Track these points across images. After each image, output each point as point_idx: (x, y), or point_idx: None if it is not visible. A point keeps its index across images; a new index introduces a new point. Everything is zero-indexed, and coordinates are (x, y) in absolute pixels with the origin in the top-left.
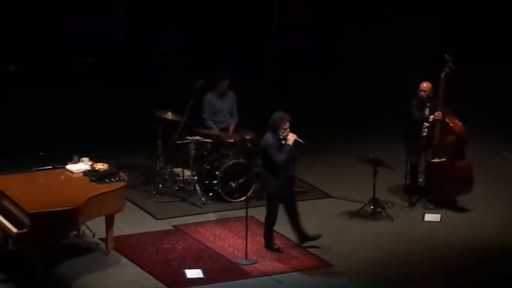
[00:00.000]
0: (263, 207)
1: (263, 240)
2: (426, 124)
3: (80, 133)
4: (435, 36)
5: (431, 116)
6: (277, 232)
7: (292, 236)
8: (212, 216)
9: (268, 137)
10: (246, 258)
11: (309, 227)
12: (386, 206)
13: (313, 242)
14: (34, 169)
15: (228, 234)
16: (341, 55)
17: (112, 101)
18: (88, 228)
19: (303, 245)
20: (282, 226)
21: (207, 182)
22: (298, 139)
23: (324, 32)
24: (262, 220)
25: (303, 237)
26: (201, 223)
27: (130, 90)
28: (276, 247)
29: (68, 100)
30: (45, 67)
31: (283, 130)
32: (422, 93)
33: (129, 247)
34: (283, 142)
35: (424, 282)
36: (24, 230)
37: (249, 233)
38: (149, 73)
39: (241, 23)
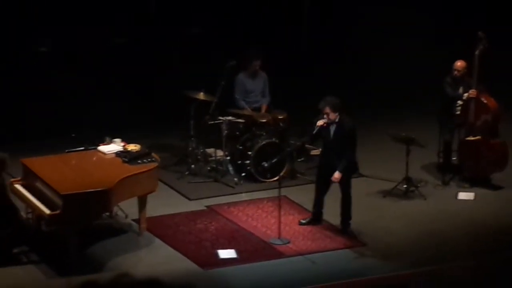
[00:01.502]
0: (296, 186)
1: (296, 220)
2: (459, 102)
3: (112, 114)
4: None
5: (465, 94)
6: (310, 212)
7: (325, 214)
8: (244, 196)
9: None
10: (279, 238)
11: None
12: (419, 185)
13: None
14: (67, 150)
15: (261, 214)
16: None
17: (144, 81)
18: (120, 209)
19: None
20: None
21: (239, 162)
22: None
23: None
24: (295, 200)
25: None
26: (233, 203)
27: (163, 70)
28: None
29: (100, 81)
30: (76, 48)
31: None
32: (456, 72)
33: (162, 228)
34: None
35: (457, 260)
36: (57, 212)
37: (282, 213)
38: (181, 53)
39: (274, 2)
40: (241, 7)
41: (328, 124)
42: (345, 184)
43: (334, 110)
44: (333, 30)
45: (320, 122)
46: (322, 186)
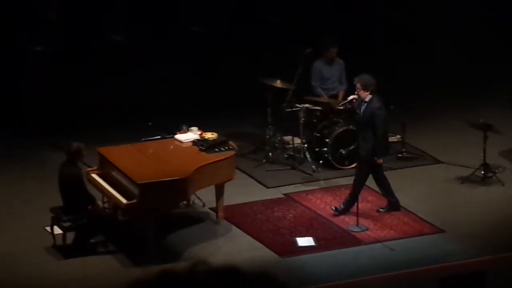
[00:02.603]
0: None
1: (374, 207)
2: None
3: (189, 102)
4: None
5: None
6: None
7: (403, 201)
8: (322, 184)
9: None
10: (357, 225)
11: (420, 193)
12: (497, 171)
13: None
14: (143, 139)
15: (339, 202)
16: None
17: (221, 69)
18: (198, 197)
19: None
20: (396, 191)
21: (317, 149)
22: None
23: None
24: (373, 187)
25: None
26: (311, 191)
27: (240, 58)
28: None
29: (176, 69)
30: (153, 37)
31: None
32: None
33: (240, 216)
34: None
35: None
36: (134, 201)
37: (359, 200)
38: (259, 40)
39: None
40: None
41: (359, 101)
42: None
43: (365, 88)
44: (404, 15)
45: (351, 97)
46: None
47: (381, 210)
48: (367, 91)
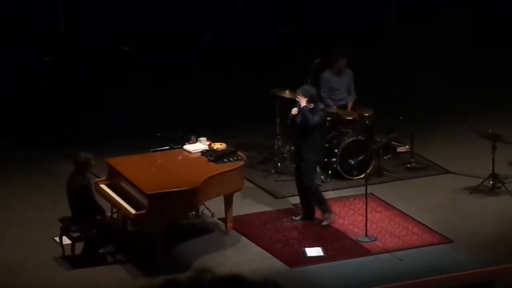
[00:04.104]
0: (382, 184)
1: (383, 217)
2: None
3: (197, 113)
4: None
5: None
6: (397, 209)
7: (411, 212)
8: (331, 194)
9: None
10: (366, 235)
11: (428, 203)
12: (505, 181)
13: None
14: (152, 150)
15: (347, 212)
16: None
17: (230, 80)
18: (207, 208)
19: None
20: (405, 202)
21: (325, 160)
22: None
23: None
24: (382, 198)
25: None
26: None
27: (248, 69)
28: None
29: (185, 80)
30: (163, 47)
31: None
32: None
33: (249, 227)
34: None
35: None
36: (142, 211)
37: (368, 210)
38: (267, 51)
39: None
40: (329, 5)
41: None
42: None
43: (309, 98)
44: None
45: (294, 111)
46: None
47: (295, 218)
48: (311, 102)
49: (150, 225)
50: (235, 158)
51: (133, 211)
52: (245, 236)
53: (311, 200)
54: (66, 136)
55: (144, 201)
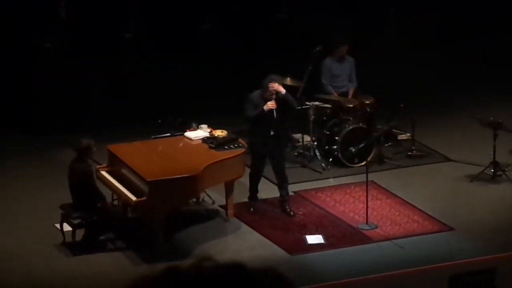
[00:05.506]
0: (383, 171)
1: (384, 205)
2: None
3: (198, 99)
4: None
5: None
6: (398, 197)
7: (412, 199)
8: (332, 182)
9: (254, 92)
10: (367, 223)
11: (429, 191)
12: (506, 169)
13: None
14: (153, 136)
15: (348, 199)
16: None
17: (230, 66)
18: (207, 195)
19: None
20: (405, 189)
21: (326, 147)
22: (274, 110)
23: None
24: (383, 185)
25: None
26: (321, 189)
27: (248, 55)
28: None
29: (186, 66)
30: (163, 33)
31: (266, 91)
32: None
33: (249, 214)
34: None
35: None
36: (143, 198)
37: (369, 198)
38: (268, 38)
39: None
40: None
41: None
42: None
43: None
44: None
45: (273, 106)
46: None
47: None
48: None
49: (150, 212)
50: (236, 145)
51: (134, 198)
52: (246, 223)
53: (284, 183)
54: (66, 123)
55: (145, 188)
